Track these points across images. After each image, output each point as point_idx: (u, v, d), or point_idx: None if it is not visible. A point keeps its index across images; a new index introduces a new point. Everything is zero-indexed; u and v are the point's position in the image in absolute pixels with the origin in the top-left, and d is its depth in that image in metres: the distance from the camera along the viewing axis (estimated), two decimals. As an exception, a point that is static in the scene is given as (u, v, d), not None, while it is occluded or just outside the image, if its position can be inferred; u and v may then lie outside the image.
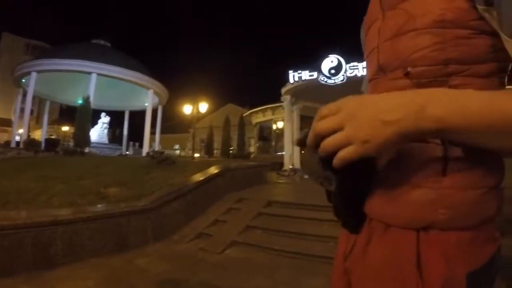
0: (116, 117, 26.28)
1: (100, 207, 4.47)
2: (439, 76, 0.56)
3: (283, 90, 14.42)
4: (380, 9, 0.67)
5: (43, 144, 17.26)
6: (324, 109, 0.48)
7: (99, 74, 19.19)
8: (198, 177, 6.37)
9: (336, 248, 0.77)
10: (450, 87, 0.54)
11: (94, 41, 24.05)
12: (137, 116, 25.35)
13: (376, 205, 0.59)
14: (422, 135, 0.45)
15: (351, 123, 0.45)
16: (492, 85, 0.56)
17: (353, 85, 11.88)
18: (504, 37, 0.50)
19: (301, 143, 0.53)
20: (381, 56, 0.65)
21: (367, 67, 0.75)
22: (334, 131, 0.46)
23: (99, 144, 21.27)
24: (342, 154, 0.45)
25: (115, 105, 25.47)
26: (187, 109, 14.23)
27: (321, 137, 0.47)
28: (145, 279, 3.30)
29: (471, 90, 0.48)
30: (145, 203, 4.63)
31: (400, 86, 0.59)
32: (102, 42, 24.15)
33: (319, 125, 0.48)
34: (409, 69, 0.58)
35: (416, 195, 0.54)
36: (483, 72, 0.55)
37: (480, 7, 0.52)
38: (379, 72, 0.66)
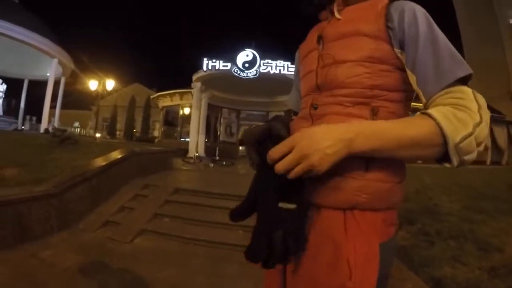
0: (12, 86, 21.15)
1: (-4, 192, 3.72)
2: (365, 97, 0.72)
3: (195, 76, 13.97)
4: (317, 42, 0.84)
5: None
6: (282, 147, 0.63)
7: (0, 34, 15.00)
8: (103, 160, 5.85)
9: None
10: (373, 108, 0.72)
11: (0, -6, 18.50)
12: (36, 87, 20.57)
13: (313, 191, 0.73)
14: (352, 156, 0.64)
15: (306, 159, 0.60)
16: (401, 108, 0.76)
17: (264, 81, 12.39)
18: (408, 71, 0.71)
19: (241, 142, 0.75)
20: (319, 78, 0.80)
21: (303, 84, 0.91)
22: (294, 165, 0.61)
23: (-8, 116, 16.84)
24: (297, 171, 0.61)
25: (14, 72, 20.28)
26: (92, 84, 12.42)
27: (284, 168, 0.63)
28: (53, 275, 2.99)
29: (382, 123, 0.67)
30: (48, 188, 4.08)
31: (334, 101, 0.76)
32: (10, -3, 18.90)
33: (285, 163, 0.61)
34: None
35: (345, 183, 0.70)
36: (396, 98, 0.74)
37: (396, 50, 0.72)
38: (315, 90, 0.82)
